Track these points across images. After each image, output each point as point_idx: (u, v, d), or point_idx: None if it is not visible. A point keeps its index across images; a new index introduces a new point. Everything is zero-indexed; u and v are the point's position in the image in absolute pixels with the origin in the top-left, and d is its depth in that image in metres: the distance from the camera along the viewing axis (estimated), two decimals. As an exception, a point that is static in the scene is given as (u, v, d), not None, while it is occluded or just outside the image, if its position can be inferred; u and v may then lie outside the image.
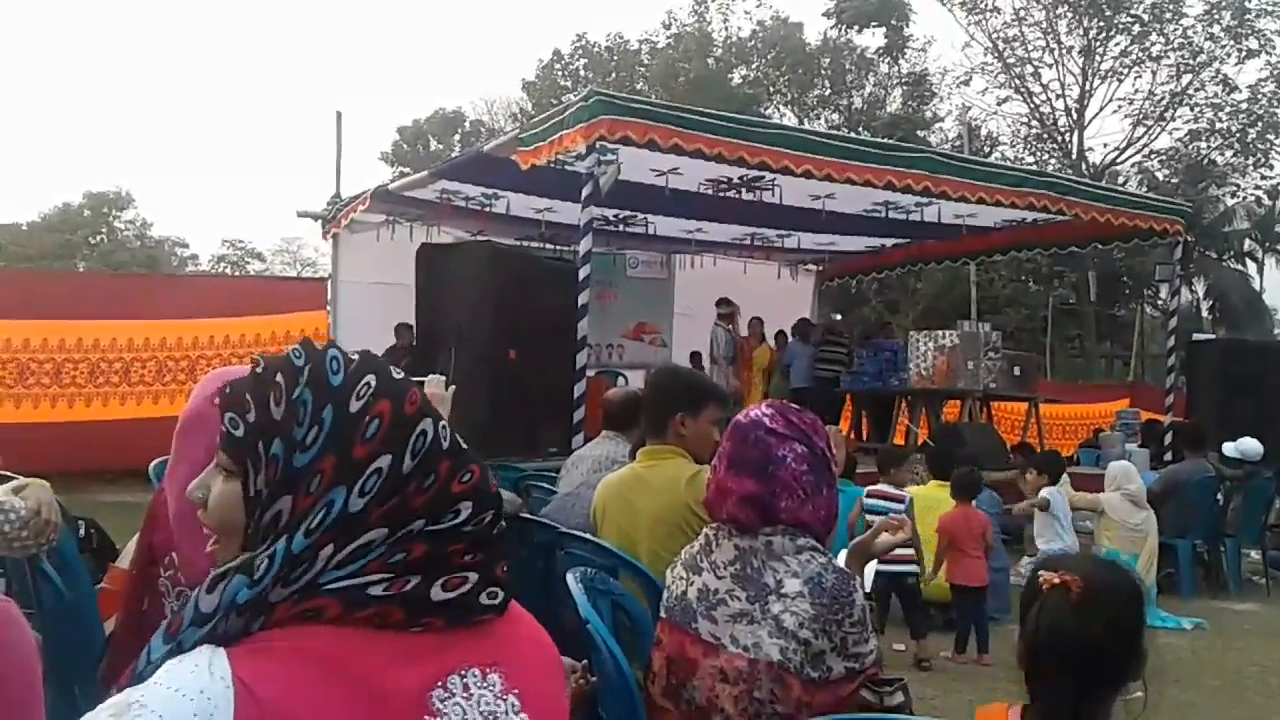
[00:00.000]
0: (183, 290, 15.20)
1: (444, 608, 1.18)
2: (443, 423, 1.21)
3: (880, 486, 6.52)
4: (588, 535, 3.38)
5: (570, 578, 2.85)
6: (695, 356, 13.23)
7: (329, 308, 12.62)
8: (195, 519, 1.31)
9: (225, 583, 1.11)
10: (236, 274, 47.86)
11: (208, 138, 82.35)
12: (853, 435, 13.51)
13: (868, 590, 2.50)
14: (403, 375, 1.23)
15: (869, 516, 6.05)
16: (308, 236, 48.57)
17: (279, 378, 1.19)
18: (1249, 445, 9.34)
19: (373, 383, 1.19)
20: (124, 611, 2.16)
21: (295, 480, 1.15)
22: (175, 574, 2.16)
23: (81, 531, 4.25)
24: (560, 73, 41.56)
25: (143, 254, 48.46)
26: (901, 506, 6.23)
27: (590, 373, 8.61)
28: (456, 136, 45.20)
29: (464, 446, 1.23)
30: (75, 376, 11.70)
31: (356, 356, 1.22)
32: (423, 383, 3.49)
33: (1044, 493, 7.55)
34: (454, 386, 3.49)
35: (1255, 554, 9.13)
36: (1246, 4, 31.56)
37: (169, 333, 12.12)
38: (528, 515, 3.60)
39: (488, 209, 11.94)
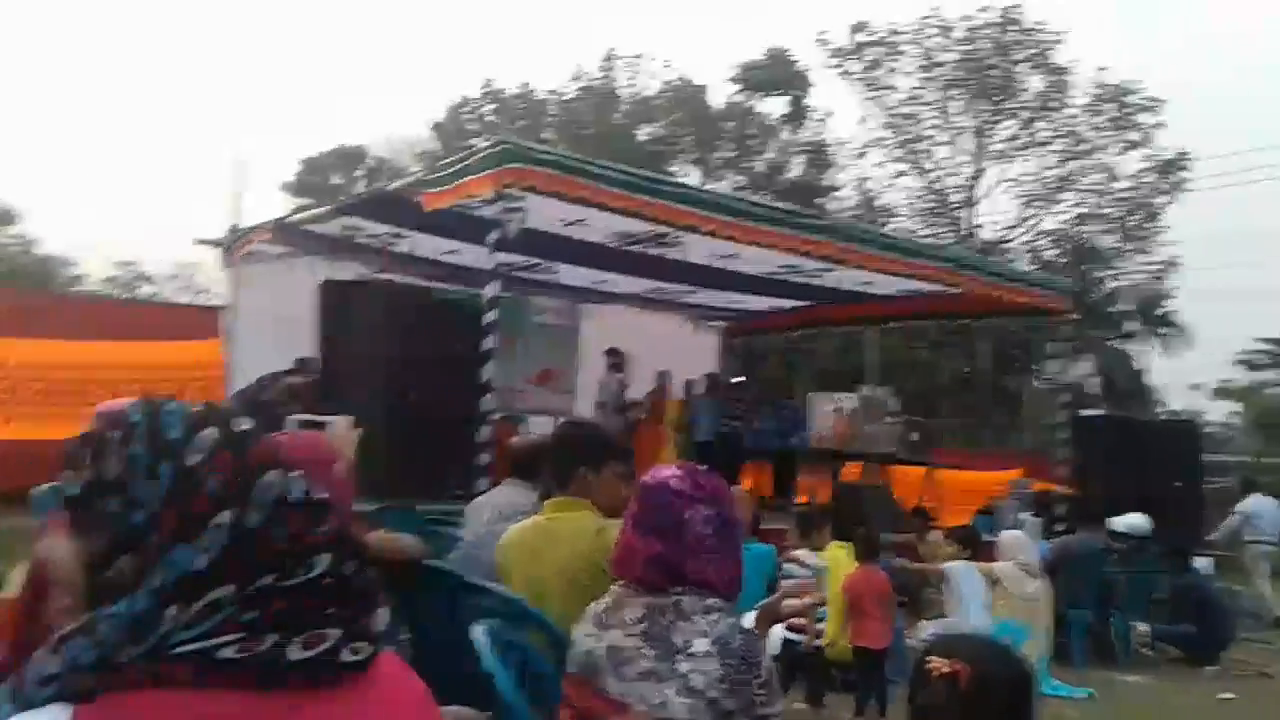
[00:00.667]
0: (72, 310, 14.76)
1: (302, 667, 1.12)
2: (295, 475, 1.17)
3: (799, 553, 6.53)
4: (496, 586, 3.31)
5: (477, 629, 2.79)
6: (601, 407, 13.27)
7: (225, 338, 12.33)
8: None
9: (67, 644, 1.06)
10: (127, 297, 46.58)
11: (105, 158, 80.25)
12: (754, 493, 13.56)
13: (775, 652, 2.49)
14: (250, 426, 1.20)
15: (784, 582, 6.04)
16: (204, 263, 47.49)
17: (115, 433, 1.15)
18: (1136, 520, 9.59)
19: (214, 435, 1.15)
20: (10, 643, 2.07)
21: (134, 538, 1.11)
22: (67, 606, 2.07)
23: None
24: (469, 116, 41.58)
25: (31, 269, 46.95)
26: (810, 574, 6.22)
27: (495, 417, 8.54)
28: (359, 172, 44.84)
29: (322, 496, 1.18)
30: (-41, 394, 11.26)
31: (199, 408, 1.19)
32: (328, 423, 3.43)
33: (949, 565, 7.53)
34: (360, 430, 3.42)
35: (1144, 626, 9.34)
36: (1126, 99, 33.00)
37: (58, 354, 11.72)
38: (432, 562, 3.52)
39: (391, 248, 11.82)
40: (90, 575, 1.13)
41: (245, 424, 1.19)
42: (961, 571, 7.44)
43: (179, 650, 1.07)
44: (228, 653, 1.08)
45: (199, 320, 13.89)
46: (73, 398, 11.40)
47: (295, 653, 1.11)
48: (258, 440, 1.18)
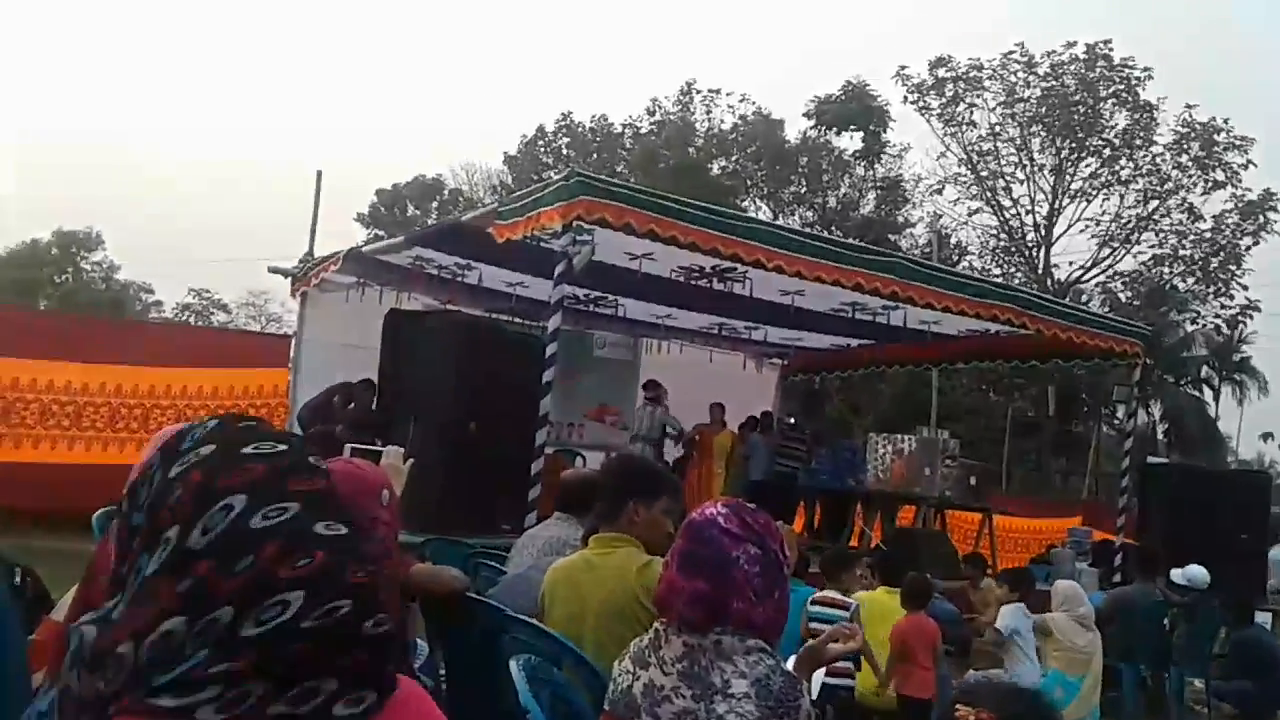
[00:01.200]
0: (143, 337, 15.05)
1: None
2: (282, 505, 1.09)
3: (827, 593, 6.38)
4: (534, 620, 3.32)
5: (513, 665, 2.80)
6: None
7: (291, 365, 12.52)
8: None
9: (59, 679, 1.09)
10: (200, 324, 47.54)
11: (185, 185, 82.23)
12: (806, 534, 13.46)
13: (814, 697, 2.47)
14: (264, 450, 1.14)
15: (813, 625, 5.95)
16: (276, 292, 48.45)
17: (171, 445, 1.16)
18: (1196, 573, 9.37)
19: (202, 452, 1.12)
20: (54, 666, 2.10)
21: (127, 541, 1.12)
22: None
23: (16, 578, 4.13)
24: (543, 149, 42.02)
25: (107, 297, 48.12)
26: (847, 614, 6.10)
27: (549, 451, 8.56)
28: (434, 203, 45.47)
29: (315, 531, 1.10)
30: (25, 417, 11.49)
31: (217, 425, 1.17)
32: (380, 453, 3.47)
33: (1005, 617, 7.30)
34: (411, 460, 3.46)
35: (1199, 682, 9.11)
36: (1215, 137, 32.41)
37: (125, 379, 11.96)
38: (474, 595, 3.54)
39: (459, 279, 11.95)
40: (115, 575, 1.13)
41: (255, 448, 1.13)
42: (1009, 616, 7.21)
43: (160, 702, 1.02)
44: (206, 713, 1.02)
45: (269, 347, 14.11)
46: (138, 423, 11.65)
47: (278, 709, 1.04)
48: (238, 467, 1.11)
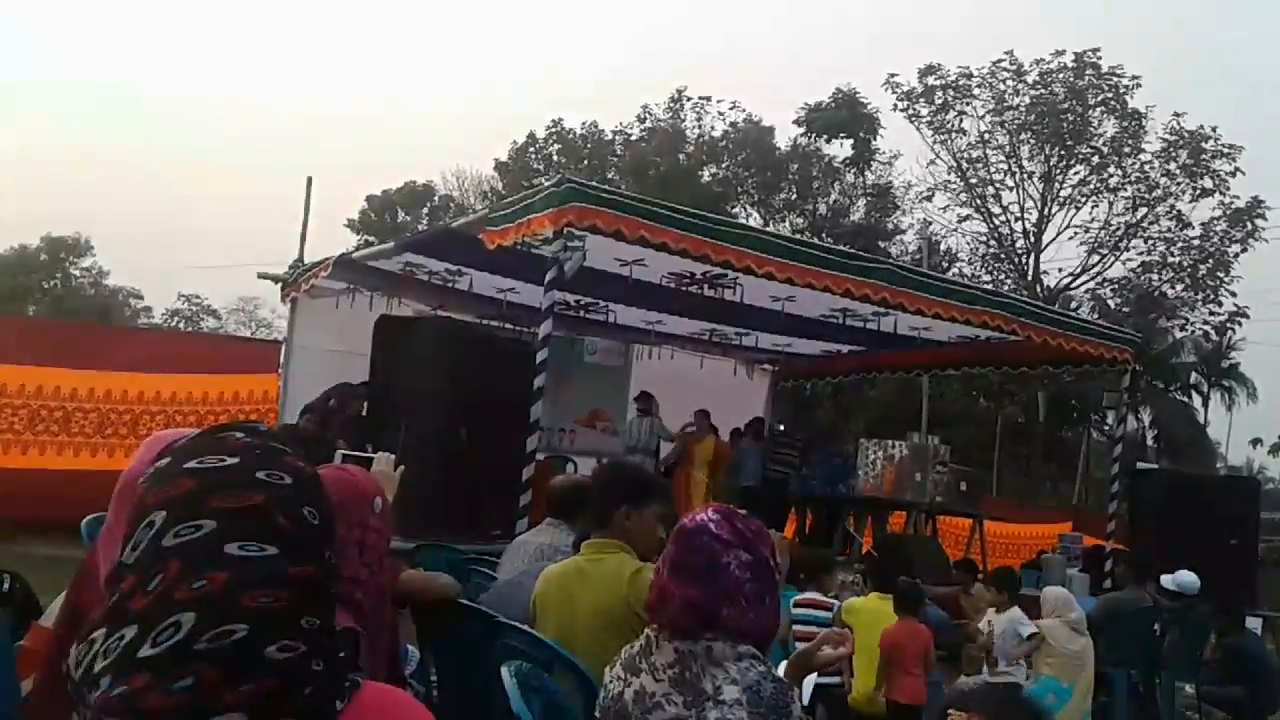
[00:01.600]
0: (132, 342, 15.01)
1: None
2: (199, 522, 1.06)
3: (809, 594, 6.39)
4: (525, 627, 3.32)
5: (504, 671, 2.80)
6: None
7: (281, 371, 12.49)
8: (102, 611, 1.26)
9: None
10: (190, 330, 47.46)
11: (175, 191, 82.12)
12: (798, 540, 13.47)
13: (805, 702, 2.46)
14: (199, 465, 1.11)
15: (797, 627, 5.95)
16: (266, 297, 48.44)
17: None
18: (1186, 578, 9.38)
19: (159, 465, 1.12)
20: (43, 673, 2.09)
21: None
22: (100, 639, 2.09)
23: (4, 585, 4.11)
24: (534, 155, 42.03)
25: (96, 303, 48.01)
26: (829, 615, 6.12)
27: (540, 457, 8.55)
28: (425, 209, 45.46)
29: (224, 551, 1.06)
30: (14, 422, 11.46)
31: (202, 435, 1.15)
32: (371, 459, 3.46)
33: (1007, 616, 7.34)
34: (402, 467, 3.46)
35: (1190, 688, 9.12)
36: (1203, 145, 32.56)
37: (113, 384, 11.93)
38: (465, 602, 3.54)
39: (450, 285, 11.93)
40: None
41: (199, 462, 1.11)
42: (1004, 622, 7.26)
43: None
44: None
45: (259, 354, 14.08)
46: (127, 429, 11.61)
47: None
48: (171, 479, 1.10)
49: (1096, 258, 35.13)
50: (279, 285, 13.06)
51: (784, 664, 2.61)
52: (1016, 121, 34.47)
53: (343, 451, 3.39)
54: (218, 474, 1.10)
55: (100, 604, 1.10)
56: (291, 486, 1.14)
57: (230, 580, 1.04)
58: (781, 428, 14.53)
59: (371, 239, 37.62)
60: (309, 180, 14.16)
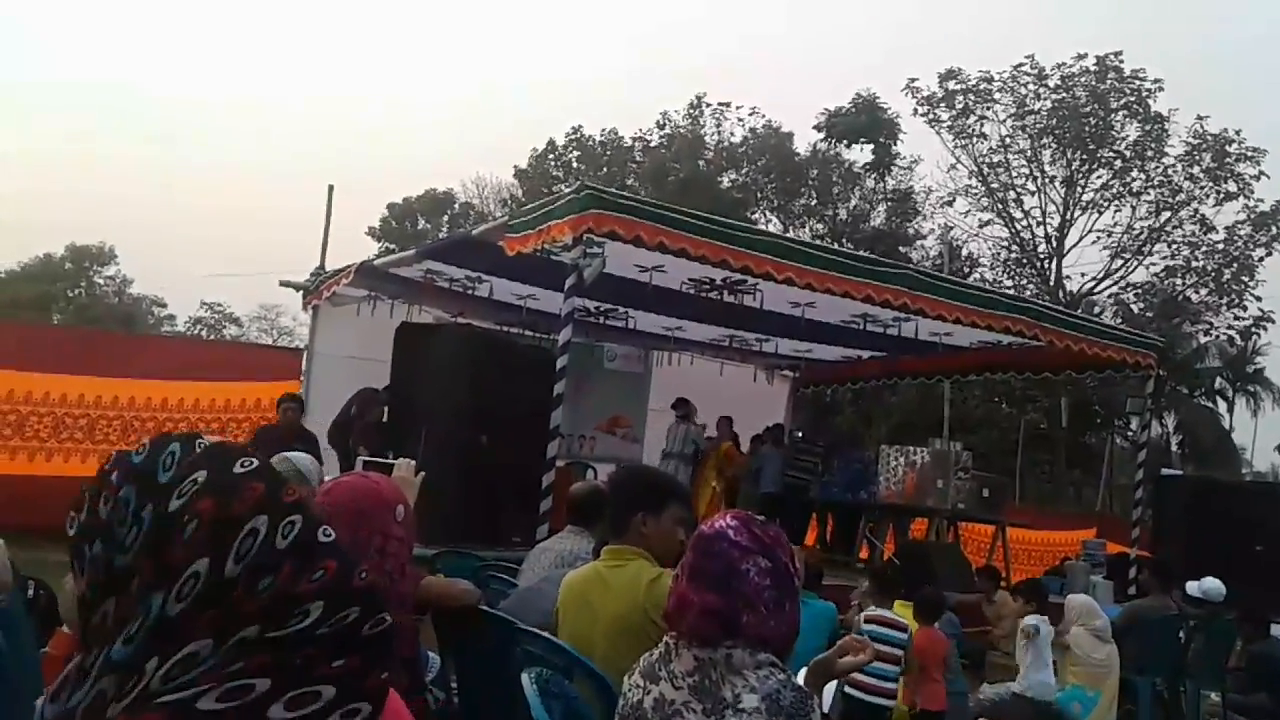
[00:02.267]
0: (155, 350, 15.08)
1: None
2: (291, 518, 1.10)
3: (881, 613, 6.21)
4: (545, 633, 3.31)
5: (525, 677, 2.79)
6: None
7: (303, 379, 12.54)
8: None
9: (66, 690, 1.07)
10: (212, 338, 47.75)
11: (197, 200, 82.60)
12: (818, 546, 13.44)
13: (825, 710, 2.45)
14: (252, 466, 1.13)
15: (846, 638, 5.87)
16: (288, 305, 48.65)
17: (114, 475, 1.12)
18: (1212, 585, 9.31)
19: (199, 479, 1.10)
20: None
21: (117, 582, 1.08)
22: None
23: (30, 592, 4.13)
24: (553, 162, 42.12)
25: (119, 311, 48.35)
26: (904, 636, 5.98)
27: (560, 463, 8.56)
28: (445, 217, 45.59)
29: (319, 541, 1.11)
30: (38, 430, 11.52)
31: (201, 450, 1.15)
32: (392, 465, 3.47)
33: (1030, 620, 7.31)
34: (423, 473, 3.46)
35: (1215, 696, 9.04)
36: (1226, 148, 32.34)
37: (137, 392, 11.99)
38: (485, 608, 3.53)
39: (470, 292, 11.97)
40: (83, 617, 1.11)
41: (243, 466, 1.13)
42: (1044, 627, 7.18)
43: (158, 701, 1.03)
44: (207, 702, 1.03)
45: (281, 361, 14.12)
46: (150, 437, 11.65)
47: (278, 712, 1.05)
48: (245, 486, 1.11)
49: (1119, 262, 34.93)
50: (301, 293, 13.12)
51: (803, 671, 2.59)
52: (1038, 126, 34.30)
53: (364, 458, 3.39)
54: (269, 474, 1.14)
55: None
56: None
57: (338, 567, 1.11)
58: (800, 434, 14.49)
59: (392, 246, 37.78)
60: (330, 188, 14.28)
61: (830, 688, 2.48)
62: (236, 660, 1.05)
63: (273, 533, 1.09)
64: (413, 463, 3.48)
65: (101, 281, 52.14)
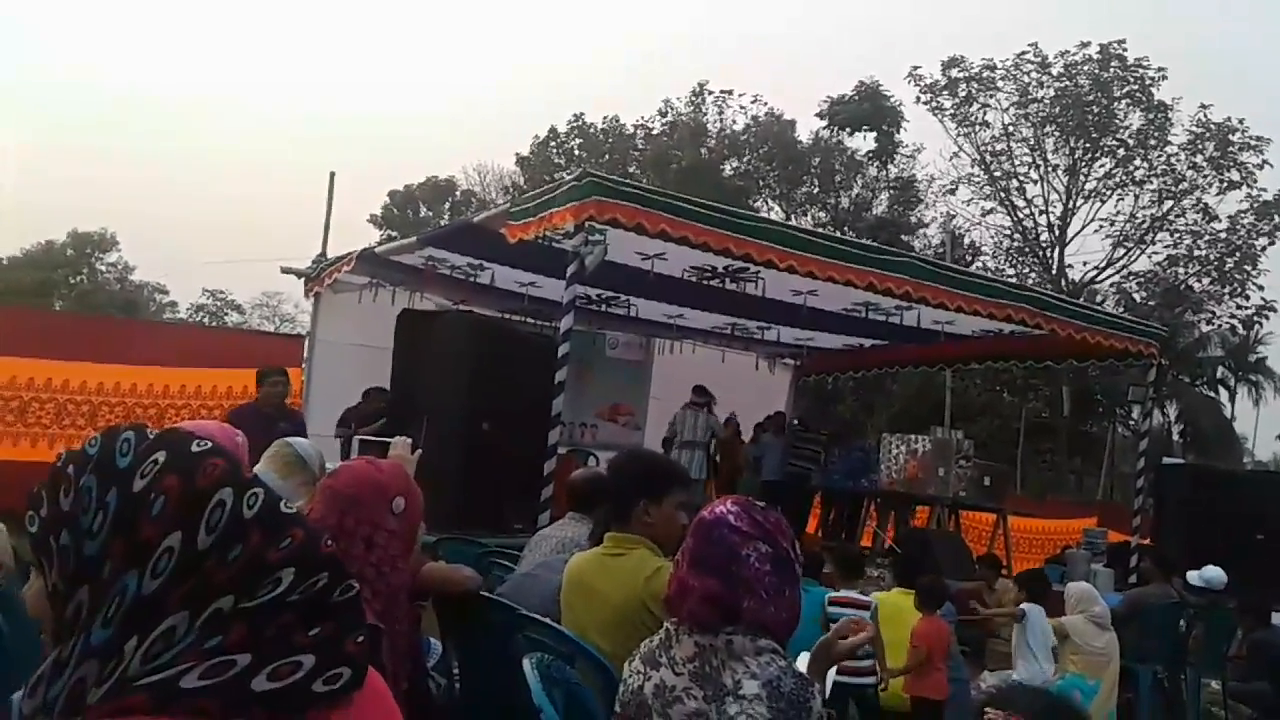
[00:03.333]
0: (157, 337, 15.08)
1: (267, 699, 1.08)
2: (253, 490, 1.14)
3: (844, 593, 6.31)
4: (547, 619, 3.32)
5: (526, 663, 2.80)
6: (667, 442, 13.23)
7: (305, 366, 12.54)
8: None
9: (36, 687, 1.08)
10: (214, 324, 47.75)
11: (199, 186, 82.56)
12: (820, 534, 13.45)
13: (826, 697, 2.45)
14: (205, 447, 1.16)
15: (834, 626, 5.90)
16: (289, 292, 48.68)
17: (70, 468, 1.14)
18: (1213, 574, 9.32)
19: (160, 459, 1.12)
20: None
21: (88, 569, 1.10)
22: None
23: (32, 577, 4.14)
24: (555, 150, 42.10)
25: (121, 297, 48.35)
26: (867, 614, 6.03)
27: (561, 451, 8.55)
28: (447, 204, 45.57)
29: (283, 511, 1.15)
30: (40, 416, 11.53)
31: (154, 434, 1.17)
32: (388, 444, 3.47)
33: (1022, 607, 7.32)
34: (419, 451, 3.45)
35: (1215, 684, 9.06)
36: (1229, 137, 32.28)
37: (139, 378, 11.99)
38: (487, 594, 3.53)
39: (472, 279, 11.96)
40: (57, 610, 1.12)
41: (199, 446, 1.15)
42: (1036, 614, 7.22)
43: (139, 683, 1.04)
44: (190, 680, 1.05)
45: (283, 348, 14.11)
46: (153, 423, 11.65)
47: (261, 684, 1.07)
48: (205, 461, 1.13)
49: (1122, 251, 34.91)
50: (302, 280, 13.11)
51: (804, 656, 2.58)
52: (1041, 114, 34.26)
53: (360, 437, 3.37)
54: (225, 453, 1.17)
55: None
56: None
57: (304, 535, 1.15)
58: (796, 423, 14.48)
59: (394, 234, 37.78)
60: (331, 175, 14.29)
61: (830, 675, 2.47)
62: (213, 635, 1.07)
63: (238, 504, 1.12)
64: (409, 440, 3.47)
65: (103, 268, 52.17)
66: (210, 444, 1.17)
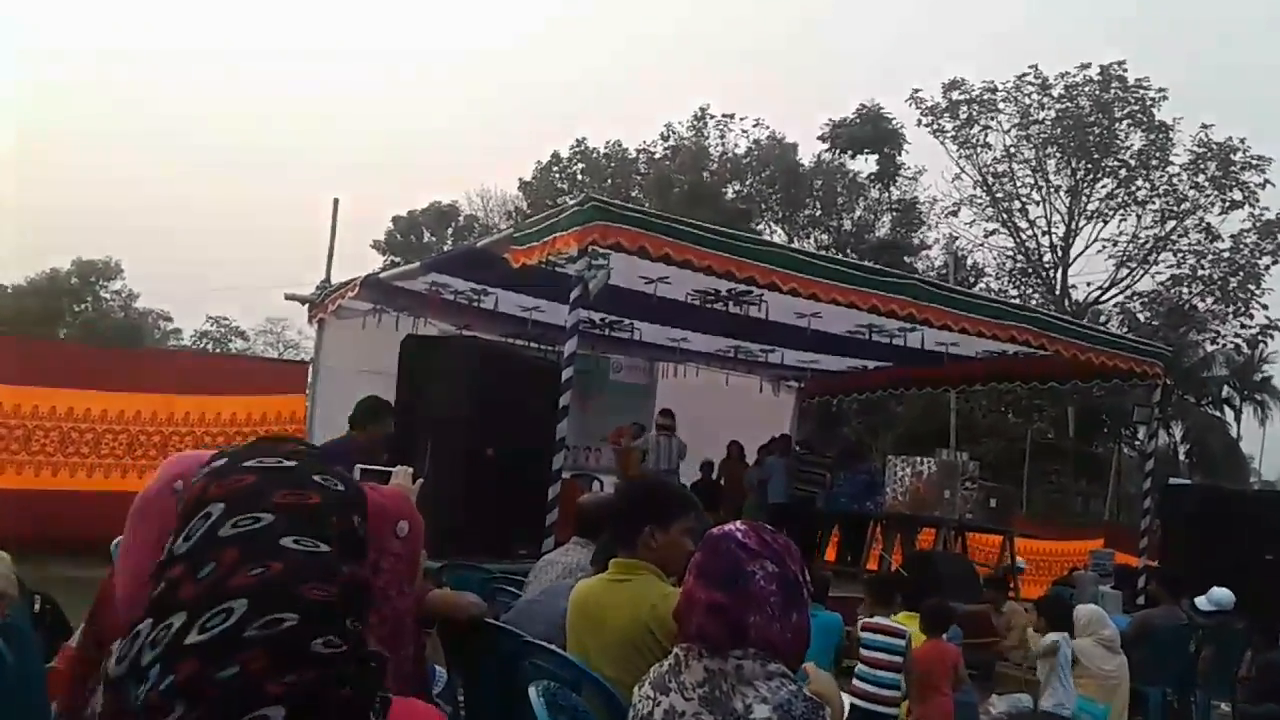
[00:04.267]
0: (161, 364, 15.11)
1: None
2: (255, 515, 1.09)
3: (879, 620, 6.18)
4: (552, 646, 3.29)
5: (532, 690, 2.77)
6: (707, 465, 13.24)
7: (308, 392, 12.54)
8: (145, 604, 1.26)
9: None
10: (218, 351, 47.82)
11: (203, 214, 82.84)
12: (826, 556, 13.41)
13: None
14: (266, 464, 1.15)
15: (865, 652, 5.87)
16: (293, 318, 48.77)
17: None
18: (1221, 595, 9.27)
19: (214, 464, 1.14)
20: (66, 695, 2.09)
21: None
22: (123, 661, 2.08)
23: (36, 606, 4.12)
24: (558, 174, 42.24)
25: (125, 325, 48.43)
26: (901, 643, 5.96)
27: (566, 475, 8.54)
28: (450, 229, 45.68)
29: (280, 544, 1.08)
30: (45, 444, 11.54)
31: (252, 443, 1.19)
32: (389, 473, 3.45)
33: (1052, 637, 7.20)
34: (421, 480, 3.43)
35: (1225, 706, 9.01)
36: (1231, 156, 32.34)
37: (143, 406, 12.01)
38: (492, 621, 3.51)
39: (475, 304, 11.97)
40: None
41: (261, 462, 1.14)
42: (1064, 646, 7.10)
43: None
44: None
45: (287, 374, 14.14)
46: (156, 451, 11.66)
47: None
48: (233, 475, 1.12)
49: (1125, 271, 34.95)
50: (306, 306, 13.14)
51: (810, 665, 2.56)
52: (1042, 135, 34.37)
53: (361, 466, 3.37)
54: (279, 473, 1.14)
55: (135, 604, 1.11)
56: (343, 493, 1.18)
57: (286, 570, 1.07)
58: (799, 446, 14.45)
59: (397, 259, 37.83)
60: (335, 202, 14.40)
61: (846, 699, 2.45)
62: (170, 672, 1.01)
63: (223, 521, 1.09)
64: (410, 470, 3.46)
65: (108, 296, 52.24)
66: (271, 462, 1.15)
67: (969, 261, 36.63)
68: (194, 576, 1.06)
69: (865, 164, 37.71)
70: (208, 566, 1.06)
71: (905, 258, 34.37)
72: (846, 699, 5.28)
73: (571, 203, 8.52)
